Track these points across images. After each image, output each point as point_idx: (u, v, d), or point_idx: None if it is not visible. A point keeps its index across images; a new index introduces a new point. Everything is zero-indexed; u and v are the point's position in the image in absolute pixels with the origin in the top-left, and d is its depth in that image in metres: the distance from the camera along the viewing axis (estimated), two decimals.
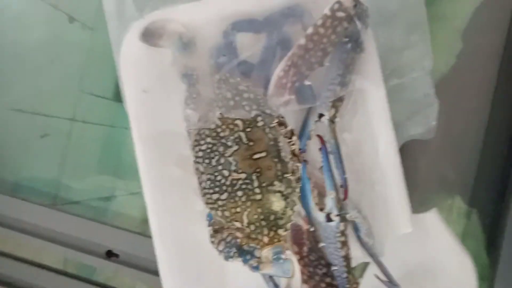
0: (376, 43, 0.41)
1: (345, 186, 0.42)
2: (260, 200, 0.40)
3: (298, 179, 0.41)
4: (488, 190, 0.49)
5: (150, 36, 0.44)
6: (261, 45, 0.43)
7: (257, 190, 0.40)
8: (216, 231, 0.43)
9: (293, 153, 0.41)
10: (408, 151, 0.45)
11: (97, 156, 0.64)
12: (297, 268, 0.38)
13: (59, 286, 0.61)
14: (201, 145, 0.42)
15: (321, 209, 0.43)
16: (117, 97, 0.65)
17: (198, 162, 0.42)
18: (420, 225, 0.44)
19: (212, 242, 0.43)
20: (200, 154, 0.42)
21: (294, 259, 0.38)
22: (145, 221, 0.63)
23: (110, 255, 0.57)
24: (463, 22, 0.47)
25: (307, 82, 0.41)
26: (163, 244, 0.46)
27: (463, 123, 0.49)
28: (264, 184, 0.40)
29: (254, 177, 0.40)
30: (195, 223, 0.47)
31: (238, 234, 0.42)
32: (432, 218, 0.45)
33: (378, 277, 0.42)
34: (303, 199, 0.43)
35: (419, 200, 0.47)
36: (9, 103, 0.64)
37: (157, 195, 0.46)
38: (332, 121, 0.42)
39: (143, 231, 0.60)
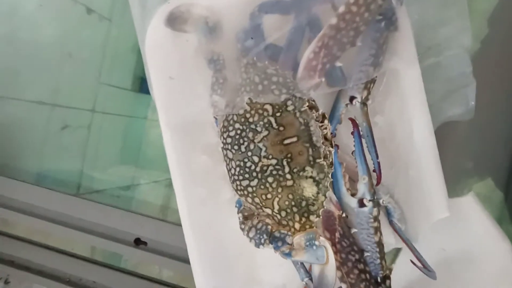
0: (410, 20, 0.39)
1: (378, 170, 0.41)
2: (291, 186, 0.39)
3: (331, 164, 0.40)
4: None
5: (175, 21, 0.43)
6: (289, 26, 0.42)
7: (288, 176, 0.39)
8: (246, 218, 0.43)
9: (325, 138, 0.39)
10: (440, 134, 0.44)
11: (118, 146, 0.64)
12: (331, 254, 0.37)
13: (86, 273, 0.62)
14: (230, 131, 0.41)
15: (353, 195, 0.42)
16: (136, 87, 0.65)
17: (226, 149, 0.42)
18: (457, 210, 0.42)
19: (242, 229, 0.42)
20: (229, 140, 0.41)
21: (328, 245, 0.38)
22: (165, 208, 0.64)
23: (138, 243, 0.58)
24: (490, 5, 0.44)
25: (338, 64, 0.40)
26: (192, 233, 0.46)
27: (495, 105, 0.46)
28: (295, 170, 0.39)
29: (285, 162, 0.39)
30: (224, 211, 0.47)
31: (269, 221, 0.41)
32: (469, 203, 0.44)
33: (413, 263, 0.41)
34: (334, 184, 0.43)
35: (454, 184, 0.45)
36: (30, 96, 0.64)
37: (186, 183, 0.46)
38: (364, 103, 0.41)
39: (165, 218, 0.60)
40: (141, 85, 0.66)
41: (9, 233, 0.63)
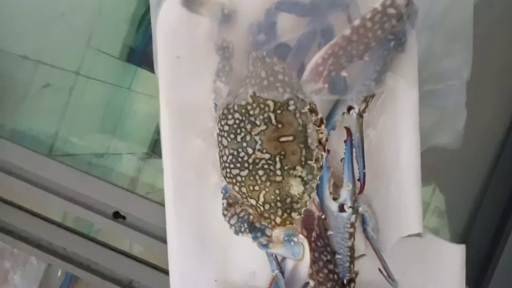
0: (418, 46, 0.41)
1: (362, 180, 0.43)
2: (280, 182, 0.41)
3: (320, 168, 0.41)
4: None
5: (192, 2, 0.44)
6: (303, 30, 0.43)
7: (279, 172, 0.41)
8: (229, 205, 0.44)
9: (319, 141, 0.41)
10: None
11: (98, 113, 0.64)
12: (307, 252, 0.39)
13: (57, 239, 0.61)
14: (228, 119, 0.42)
15: (335, 199, 0.44)
16: (124, 56, 0.64)
17: (222, 136, 0.43)
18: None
19: (225, 215, 0.43)
20: (226, 128, 0.42)
21: (306, 243, 0.40)
22: (135, 180, 0.64)
23: (117, 216, 0.58)
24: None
25: (343, 74, 0.41)
26: (174, 211, 0.47)
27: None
28: (286, 167, 0.41)
29: (277, 159, 0.41)
30: (209, 195, 0.48)
31: (251, 211, 0.43)
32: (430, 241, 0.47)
33: (380, 271, 0.44)
34: (319, 186, 0.44)
35: None
36: (14, 48, 0.62)
37: (176, 162, 0.46)
38: (360, 115, 0.43)
39: (133, 190, 0.60)
40: (129, 55, 0.65)
41: None
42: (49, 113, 0.64)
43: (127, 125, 0.65)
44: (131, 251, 0.61)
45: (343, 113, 0.44)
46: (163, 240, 0.49)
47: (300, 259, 0.40)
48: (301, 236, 0.40)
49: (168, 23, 0.44)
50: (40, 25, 0.63)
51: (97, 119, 0.66)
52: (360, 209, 0.45)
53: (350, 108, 0.43)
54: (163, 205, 0.47)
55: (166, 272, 0.49)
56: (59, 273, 0.71)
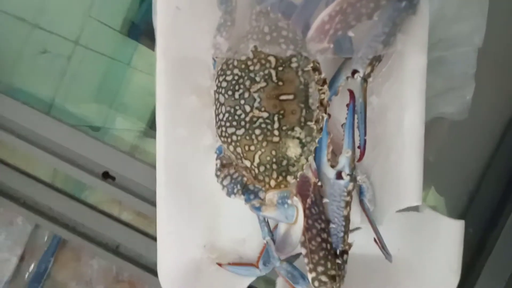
0: (430, 9, 0.39)
1: (363, 147, 0.42)
2: (277, 142, 0.39)
3: (320, 130, 0.40)
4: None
5: None
6: None
7: (276, 132, 0.39)
8: (223, 166, 0.42)
9: (321, 102, 0.39)
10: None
11: (95, 85, 0.62)
12: (301, 215, 0.38)
13: (44, 198, 0.60)
14: (227, 75, 0.40)
15: (333, 166, 0.42)
16: (124, 30, 0.62)
17: (219, 92, 0.41)
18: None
19: (217, 176, 0.42)
20: (224, 84, 0.40)
21: (300, 206, 0.38)
22: (132, 153, 0.62)
23: (106, 176, 0.56)
24: None
25: (350, 33, 0.39)
26: (165, 170, 0.45)
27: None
28: (284, 128, 0.39)
29: (276, 118, 0.39)
30: (201, 156, 0.46)
31: (245, 173, 0.41)
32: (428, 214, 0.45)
33: (376, 242, 0.42)
34: (317, 152, 0.43)
35: None
36: (12, 9, 0.60)
37: (169, 119, 0.45)
38: (365, 80, 0.41)
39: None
40: (130, 30, 0.64)
41: None
42: (46, 80, 0.63)
43: (124, 101, 0.64)
44: (119, 216, 0.59)
45: (347, 77, 0.42)
46: (154, 204, 0.48)
47: (293, 222, 0.38)
48: (295, 198, 0.38)
49: None
50: None
51: (95, 90, 0.64)
52: (358, 179, 0.43)
53: (354, 72, 0.41)
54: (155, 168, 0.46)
55: (154, 238, 0.48)
56: (46, 238, 0.69)
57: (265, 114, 0.39)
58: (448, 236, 0.43)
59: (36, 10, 0.61)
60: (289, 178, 0.40)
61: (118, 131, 0.62)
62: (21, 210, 0.60)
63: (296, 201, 0.38)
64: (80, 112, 0.62)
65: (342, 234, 0.43)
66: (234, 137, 0.40)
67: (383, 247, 0.42)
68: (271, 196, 0.39)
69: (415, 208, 0.43)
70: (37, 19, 0.61)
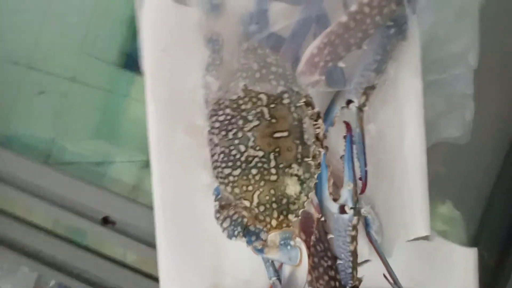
0: (420, 30, 0.38)
1: (364, 179, 0.40)
2: (275, 181, 0.38)
3: (318, 165, 0.38)
4: None
5: None
6: (296, 18, 0.41)
7: (273, 171, 0.38)
8: (222, 207, 0.41)
9: (317, 137, 0.38)
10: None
11: (94, 120, 0.62)
12: (305, 256, 0.36)
13: (46, 246, 0.59)
14: (219, 115, 0.39)
15: (335, 200, 0.41)
16: (121, 62, 0.62)
17: (213, 133, 0.40)
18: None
19: (217, 218, 0.40)
20: (217, 124, 0.40)
21: (303, 247, 0.36)
22: (137, 189, 0.61)
23: (106, 221, 0.55)
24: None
25: (340, 64, 0.39)
26: (163, 213, 0.44)
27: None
28: (281, 165, 0.38)
29: (272, 156, 0.38)
30: (200, 197, 0.45)
31: (245, 214, 0.40)
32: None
33: (386, 277, 0.41)
34: (318, 186, 0.41)
35: None
36: (5, 54, 0.61)
37: (164, 162, 0.44)
38: (360, 109, 0.40)
39: (135, 199, 0.57)
40: (127, 61, 0.64)
41: None
42: (44, 121, 0.63)
43: (125, 133, 0.63)
44: (124, 260, 0.58)
45: (342, 107, 0.41)
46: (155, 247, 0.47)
47: (298, 264, 0.36)
48: (298, 239, 0.37)
49: (154, 14, 0.42)
50: (32, 29, 0.61)
51: (94, 125, 0.64)
52: (363, 211, 0.41)
53: (349, 102, 0.40)
54: None
55: (158, 280, 0.47)
56: (51, 284, 0.68)
57: (261, 153, 0.38)
58: (461, 265, 0.41)
59: (30, 51, 0.61)
60: (290, 216, 0.39)
61: (120, 164, 0.62)
62: (24, 260, 0.60)
63: (299, 241, 0.37)
64: (81, 149, 0.62)
65: (350, 270, 0.41)
66: (231, 178, 0.39)
67: (394, 281, 0.41)
68: (273, 237, 0.38)
69: (425, 237, 0.42)
70: (31, 60, 0.61)
